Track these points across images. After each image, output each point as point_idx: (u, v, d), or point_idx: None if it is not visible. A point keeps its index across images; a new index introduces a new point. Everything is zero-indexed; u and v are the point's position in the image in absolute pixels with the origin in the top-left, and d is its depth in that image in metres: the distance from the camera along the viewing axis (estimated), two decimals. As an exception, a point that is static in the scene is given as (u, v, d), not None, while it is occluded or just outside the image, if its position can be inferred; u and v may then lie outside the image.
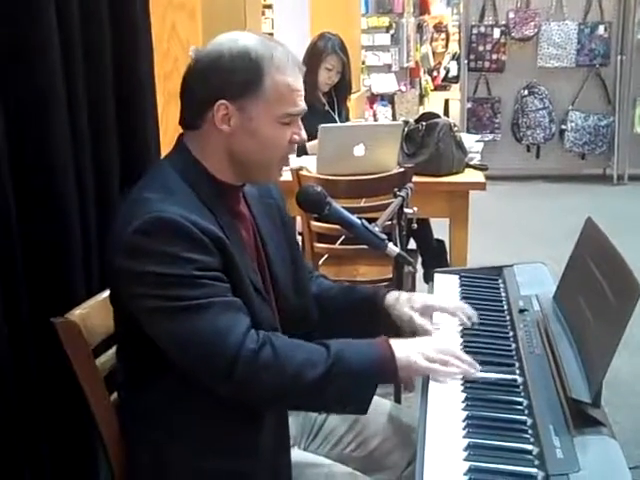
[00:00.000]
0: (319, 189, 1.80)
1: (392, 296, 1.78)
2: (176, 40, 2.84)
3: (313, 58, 4.13)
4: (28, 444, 1.79)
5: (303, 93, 1.55)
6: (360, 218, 1.81)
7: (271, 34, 7.46)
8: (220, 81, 1.49)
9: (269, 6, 8.05)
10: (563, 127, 7.67)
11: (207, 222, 1.46)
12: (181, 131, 1.60)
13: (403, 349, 1.49)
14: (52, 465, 1.89)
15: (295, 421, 1.73)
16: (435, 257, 4.00)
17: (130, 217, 1.43)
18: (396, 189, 2.19)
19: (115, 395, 1.67)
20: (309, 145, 3.77)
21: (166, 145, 2.27)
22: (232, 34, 1.54)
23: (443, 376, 1.49)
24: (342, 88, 4.31)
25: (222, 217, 1.51)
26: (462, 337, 1.68)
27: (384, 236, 1.80)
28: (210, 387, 1.44)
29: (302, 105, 1.55)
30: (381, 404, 1.82)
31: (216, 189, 1.55)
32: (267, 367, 1.42)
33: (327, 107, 4.24)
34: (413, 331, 1.71)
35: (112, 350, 1.68)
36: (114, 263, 1.45)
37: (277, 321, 1.61)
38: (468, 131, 7.35)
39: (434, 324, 1.73)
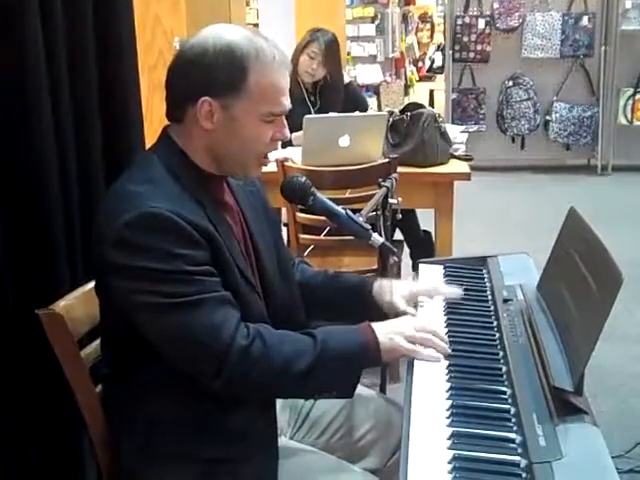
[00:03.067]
0: (303, 179, 1.80)
1: (378, 283, 1.80)
2: (160, 31, 2.82)
3: (297, 47, 4.12)
4: (13, 436, 1.79)
5: (288, 91, 1.54)
6: (345, 208, 1.81)
7: (256, 25, 7.45)
8: (204, 78, 1.47)
9: (254, -4, 8.05)
10: (548, 118, 7.70)
11: (195, 215, 1.45)
12: (167, 122, 1.59)
13: (385, 332, 1.52)
14: (38, 457, 1.89)
15: (281, 411, 1.74)
16: (422, 248, 4.00)
17: (117, 211, 1.42)
18: (380, 179, 2.19)
19: (100, 387, 1.67)
20: (294, 136, 3.75)
21: (151, 136, 2.26)
22: (218, 28, 1.52)
23: (426, 358, 1.52)
24: (329, 95, 4.19)
25: (209, 208, 1.51)
26: (447, 327, 1.68)
27: (368, 226, 1.81)
28: (201, 381, 1.45)
29: (286, 104, 1.53)
30: (367, 394, 1.83)
31: (202, 179, 1.54)
32: (257, 362, 1.43)
33: (305, 96, 4.17)
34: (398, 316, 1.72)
35: (97, 341, 1.68)
36: (103, 257, 1.44)
37: (265, 311, 1.61)
38: (453, 122, 7.37)
39: (421, 308, 1.76)
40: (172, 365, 1.46)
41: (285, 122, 1.57)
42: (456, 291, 1.80)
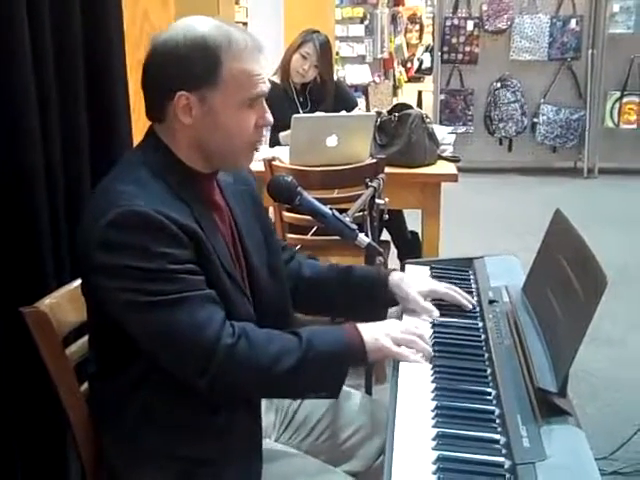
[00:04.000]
0: (289, 179, 1.80)
1: (397, 276, 1.81)
2: (148, 27, 2.80)
3: (291, 46, 4.11)
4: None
5: (265, 75, 1.52)
6: (331, 208, 1.81)
7: (245, 23, 7.44)
8: (177, 72, 1.46)
9: (243, -6, 8.04)
10: (535, 120, 7.73)
11: (180, 214, 1.44)
12: (152, 121, 1.58)
13: (371, 333, 1.53)
14: (22, 456, 1.88)
15: (266, 412, 1.73)
16: (409, 249, 4.01)
17: (102, 210, 1.41)
18: (368, 180, 2.20)
19: (85, 385, 1.66)
20: (282, 135, 3.75)
21: (138, 133, 2.25)
22: (188, 21, 1.51)
23: (410, 360, 1.52)
24: (319, 96, 4.18)
25: (197, 208, 1.50)
26: (432, 328, 1.69)
27: (355, 226, 1.81)
28: (185, 381, 1.44)
29: (264, 87, 1.52)
30: (352, 396, 1.83)
31: (190, 179, 1.53)
32: (243, 361, 1.43)
33: (294, 96, 4.16)
34: (412, 310, 1.76)
35: (82, 340, 1.68)
36: (88, 256, 1.43)
37: (252, 311, 1.60)
38: (441, 123, 7.38)
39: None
40: (157, 364, 1.46)
41: (266, 107, 1.55)
42: (470, 301, 1.79)
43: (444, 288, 1.81)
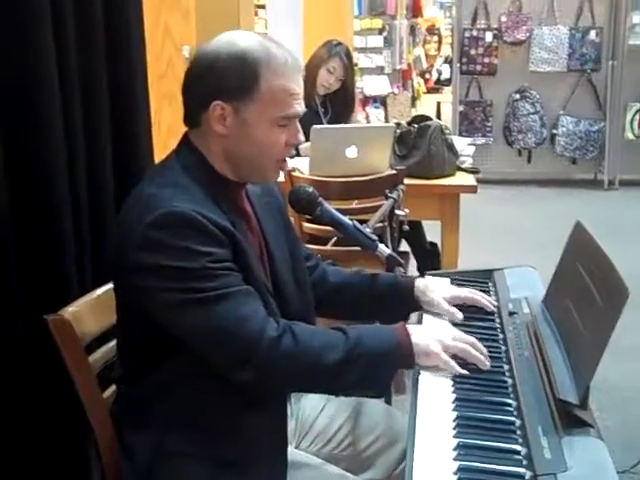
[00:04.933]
0: (311, 190, 1.81)
1: (421, 282, 1.83)
2: (170, 41, 2.83)
3: (315, 59, 4.13)
4: (19, 441, 1.80)
5: (301, 96, 1.55)
6: (351, 219, 1.82)
7: (264, 34, 7.48)
8: (216, 83, 1.50)
9: (262, 6, 8.07)
10: (554, 132, 7.70)
11: (217, 215, 1.47)
12: (175, 131, 1.61)
13: (422, 336, 1.51)
14: (43, 460, 1.90)
15: (288, 419, 1.74)
16: (428, 260, 4.01)
17: (142, 212, 1.44)
18: (387, 191, 2.20)
19: (107, 392, 1.68)
20: (302, 147, 3.77)
21: (159, 145, 2.28)
22: (232, 34, 1.55)
23: (458, 372, 1.49)
24: (341, 104, 4.22)
25: (230, 214, 1.53)
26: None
27: (375, 237, 1.82)
28: (230, 374, 1.45)
29: (299, 108, 1.55)
30: (372, 404, 1.83)
31: (222, 186, 1.56)
32: (287, 354, 1.44)
33: (319, 109, 4.19)
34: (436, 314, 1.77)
35: (105, 347, 1.70)
36: (125, 257, 1.45)
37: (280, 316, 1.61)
38: (460, 134, 7.37)
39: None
40: (188, 364, 1.48)
41: (299, 126, 1.58)
42: (492, 302, 1.82)
43: (466, 292, 1.83)
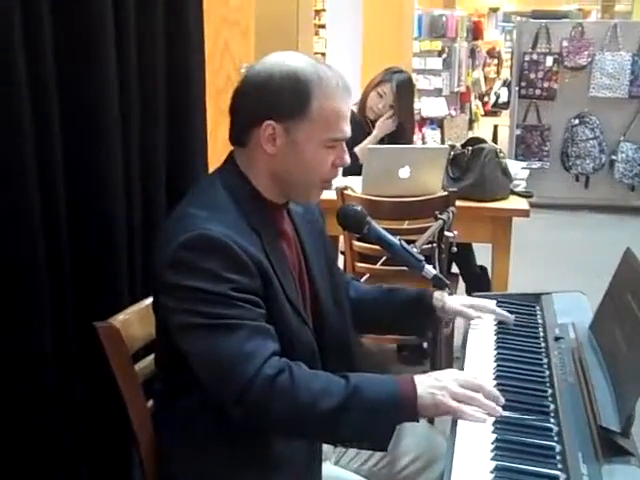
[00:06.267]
0: (359, 208, 1.83)
1: (440, 293, 1.85)
2: (228, 58, 2.88)
3: (371, 82, 4.06)
4: (66, 439, 1.83)
5: (348, 118, 1.56)
6: (400, 239, 1.83)
7: (323, 54, 7.54)
8: (268, 102, 1.51)
9: (322, 26, 8.15)
10: (613, 158, 7.59)
11: (251, 244, 1.48)
12: (230, 147, 1.63)
13: (427, 386, 1.44)
14: (89, 463, 1.94)
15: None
16: (478, 283, 3.97)
17: (176, 232, 1.46)
18: (437, 212, 2.20)
19: (151, 401, 1.71)
20: (357, 149, 3.75)
21: (214, 161, 2.31)
22: (282, 55, 1.56)
23: (471, 419, 1.42)
24: (393, 133, 4.04)
25: (267, 237, 1.53)
26: (496, 362, 1.68)
27: (422, 257, 1.82)
28: (224, 407, 1.44)
29: (347, 130, 1.56)
30: (414, 424, 1.82)
31: (262, 207, 1.57)
32: (281, 395, 1.41)
33: (370, 131, 4.08)
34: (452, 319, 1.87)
35: (151, 357, 1.73)
36: (159, 275, 1.48)
37: (315, 342, 1.62)
38: (517, 158, 7.31)
39: (473, 329, 1.83)
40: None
41: (345, 148, 1.59)
42: (508, 315, 1.85)
43: (486, 301, 1.88)
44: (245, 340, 1.42)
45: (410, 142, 4.16)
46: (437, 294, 1.85)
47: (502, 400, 1.45)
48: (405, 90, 4.01)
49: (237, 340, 1.41)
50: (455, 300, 1.86)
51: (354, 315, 1.83)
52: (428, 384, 1.45)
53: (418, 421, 1.46)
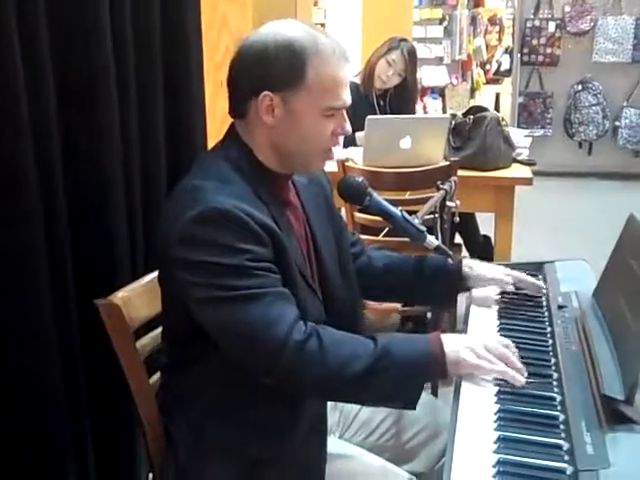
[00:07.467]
0: (360, 179, 1.81)
1: (469, 260, 1.89)
2: (226, 31, 2.85)
3: (376, 52, 4.05)
4: (72, 421, 1.84)
5: (348, 85, 1.54)
6: (401, 210, 1.81)
7: (323, 24, 7.48)
8: (264, 73, 1.49)
9: (322, -4, 8.07)
10: (617, 124, 7.54)
11: (259, 212, 1.46)
12: (229, 121, 1.61)
13: (454, 345, 1.46)
14: (94, 440, 1.95)
15: (332, 411, 1.75)
16: (481, 252, 3.97)
17: (185, 206, 1.44)
18: (439, 182, 2.19)
19: (154, 377, 1.71)
20: (358, 135, 3.75)
21: (213, 134, 2.30)
22: (277, 24, 1.53)
23: (487, 373, 1.45)
24: (400, 102, 4.12)
25: (273, 207, 1.52)
26: (499, 332, 1.68)
27: (423, 228, 1.81)
28: (254, 376, 1.45)
29: (346, 98, 1.53)
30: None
31: (267, 178, 1.56)
32: (311, 359, 1.42)
33: (374, 100, 4.11)
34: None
35: (152, 333, 1.73)
36: (168, 250, 1.46)
37: (323, 312, 1.61)
38: (519, 126, 7.27)
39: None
40: (228, 358, 1.48)
41: (346, 116, 1.56)
42: (542, 285, 1.87)
43: (516, 272, 1.87)
44: (268, 308, 1.42)
45: (412, 112, 4.15)
46: (466, 262, 1.85)
47: (525, 373, 1.46)
48: (413, 57, 4.05)
49: (261, 309, 1.42)
50: (487, 268, 1.85)
51: (381, 285, 1.85)
52: (455, 342, 1.47)
53: (446, 379, 1.48)
